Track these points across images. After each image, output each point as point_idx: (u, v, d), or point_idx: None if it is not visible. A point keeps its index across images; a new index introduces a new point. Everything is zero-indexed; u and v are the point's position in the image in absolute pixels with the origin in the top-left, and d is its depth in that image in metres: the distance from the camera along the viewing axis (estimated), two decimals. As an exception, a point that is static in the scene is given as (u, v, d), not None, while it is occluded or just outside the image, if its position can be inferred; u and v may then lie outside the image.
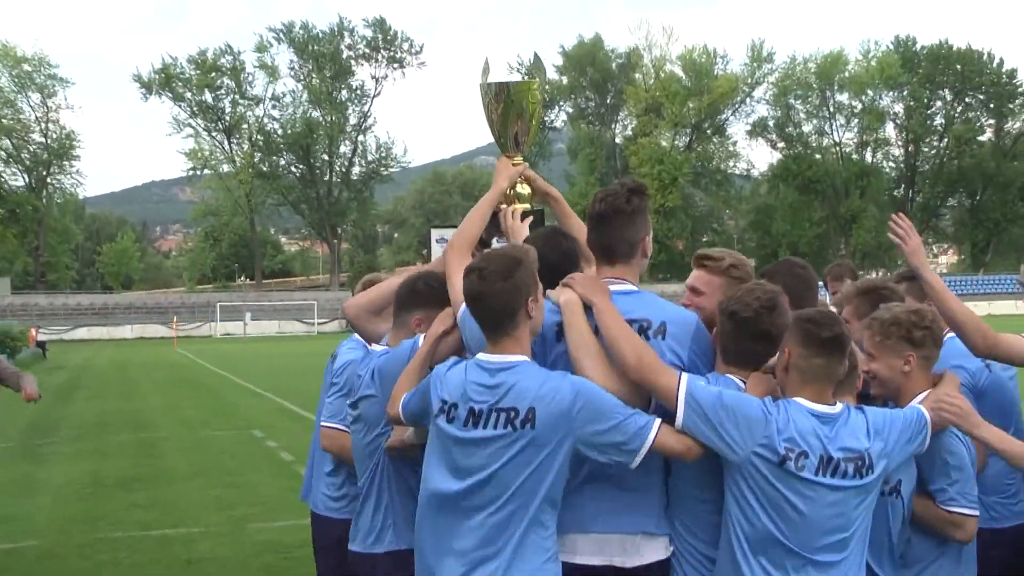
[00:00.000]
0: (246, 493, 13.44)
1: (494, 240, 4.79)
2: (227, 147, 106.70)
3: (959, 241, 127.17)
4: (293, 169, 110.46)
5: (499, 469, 3.64)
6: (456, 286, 4.19)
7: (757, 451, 3.63)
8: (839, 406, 3.78)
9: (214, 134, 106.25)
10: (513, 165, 4.78)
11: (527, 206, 4.81)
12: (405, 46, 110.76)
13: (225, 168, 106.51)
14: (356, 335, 5.39)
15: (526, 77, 4.88)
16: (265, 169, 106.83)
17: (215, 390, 29.96)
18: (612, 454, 3.66)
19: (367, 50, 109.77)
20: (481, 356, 3.79)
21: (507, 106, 4.75)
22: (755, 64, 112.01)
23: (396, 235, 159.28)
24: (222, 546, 10.67)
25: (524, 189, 4.83)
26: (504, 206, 4.72)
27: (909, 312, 4.27)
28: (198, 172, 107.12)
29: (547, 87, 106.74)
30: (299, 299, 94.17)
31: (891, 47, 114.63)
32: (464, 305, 4.03)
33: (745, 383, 3.88)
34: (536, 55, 4.92)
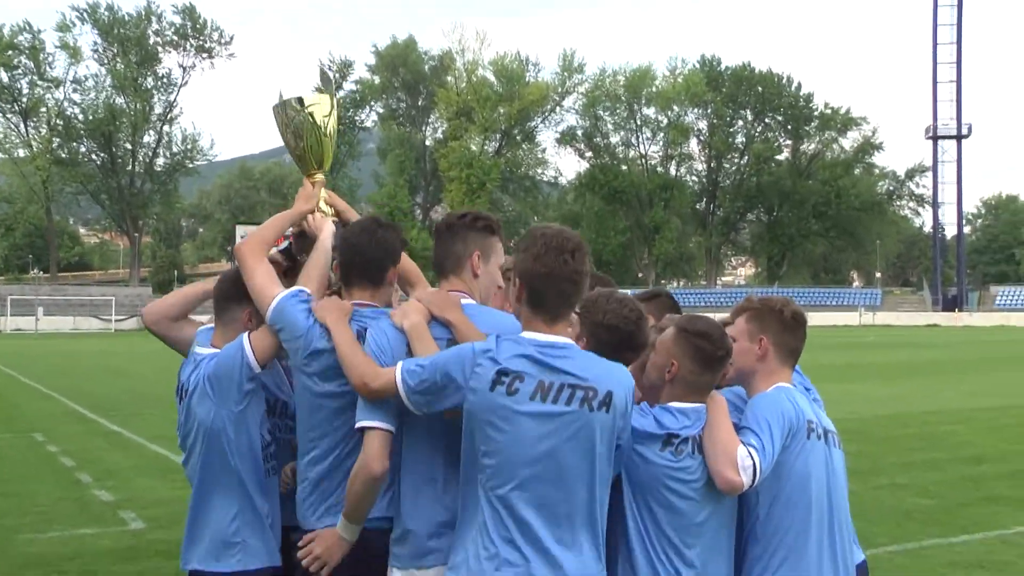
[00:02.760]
0: (19, 502, 12.67)
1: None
2: (23, 130, 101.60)
3: (756, 254, 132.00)
4: (94, 157, 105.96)
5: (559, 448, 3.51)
6: (258, 282, 4.20)
7: (637, 448, 3.76)
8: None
9: (9, 116, 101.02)
10: (313, 183, 4.66)
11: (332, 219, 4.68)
12: (215, 36, 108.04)
13: (21, 153, 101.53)
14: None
15: (319, 92, 4.74)
16: (64, 156, 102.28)
17: (-3, 389, 28.64)
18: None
19: (175, 37, 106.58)
20: (531, 335, 3.60)
21: (300, 123, 4.62)
22: (566, 74, 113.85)
23: (200, 230, 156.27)
24: (-14, 560, 10.15)
25: (327, 209, 4.69)
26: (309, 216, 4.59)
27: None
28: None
29: (355, 94, 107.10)
30: (96, 294, 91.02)
31: (697, 66, 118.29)
32: (278, 300, 4.08)
33: None
34: (322, 69, 4.78)
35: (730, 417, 3.89)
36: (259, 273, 4.22)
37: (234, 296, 4.40)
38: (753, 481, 3.71)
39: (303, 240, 4.62)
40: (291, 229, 4.64)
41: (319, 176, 4.72)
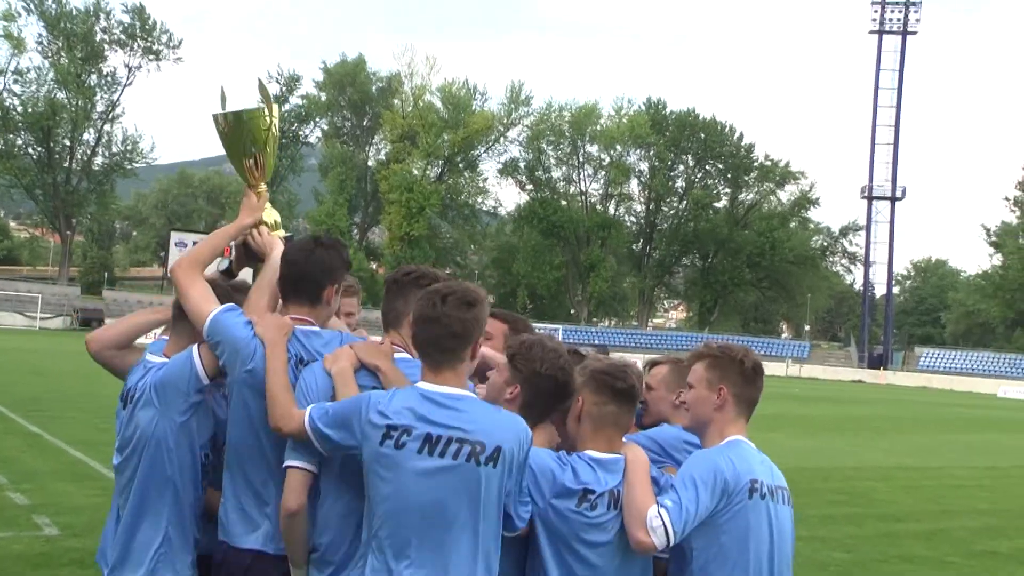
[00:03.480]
0: (-73, 498, 12.50)
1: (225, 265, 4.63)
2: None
3: (689, 299, 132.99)
4: (31, 151, 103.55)
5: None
6: (192, 301, 4.15)
7: (553, 503, 3.77)
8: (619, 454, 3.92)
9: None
10: (257, 194, 4.56)
11: (280, 232, 4.61)
12: (163, 38, 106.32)
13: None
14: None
15: (260, 104, 4.62)
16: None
17: (-88, 381, 27.91)
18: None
19: (122, 36, 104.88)
20: (424, 385, 3.63)
21: (243, 134, 4.50)
22: (512, 105, 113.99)
23: (135, 233, 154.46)
24: None
25: (270, 217, 4.60)
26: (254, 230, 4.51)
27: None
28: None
29: (300, 109, 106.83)
30: (23, 290, 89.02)
31: (642, 107, 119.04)
32: (214, 314, 4.04)
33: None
34: (260, 81, 4.69)
35: (650, 472, 3.90)
36: (194, 291, 4.17)
37: None
38: (668, 541, 3.70)
39: (247, 251, 4.54)
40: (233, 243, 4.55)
41: (263, 187, 4.61)
